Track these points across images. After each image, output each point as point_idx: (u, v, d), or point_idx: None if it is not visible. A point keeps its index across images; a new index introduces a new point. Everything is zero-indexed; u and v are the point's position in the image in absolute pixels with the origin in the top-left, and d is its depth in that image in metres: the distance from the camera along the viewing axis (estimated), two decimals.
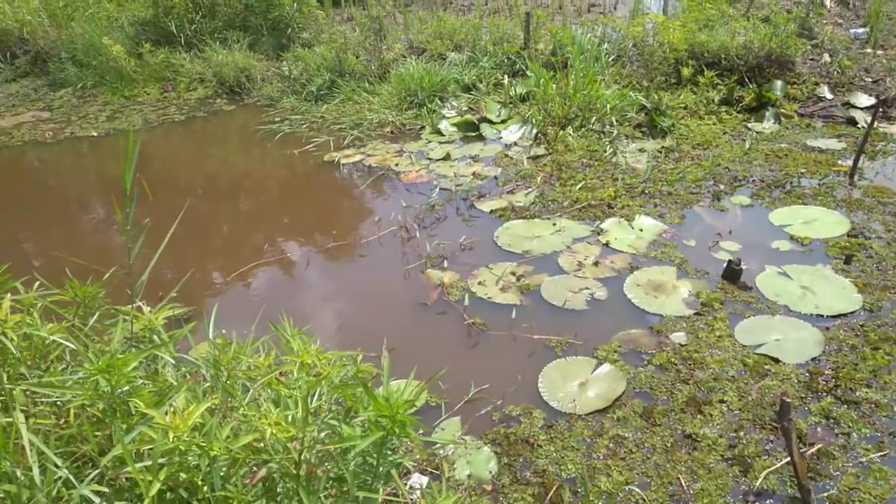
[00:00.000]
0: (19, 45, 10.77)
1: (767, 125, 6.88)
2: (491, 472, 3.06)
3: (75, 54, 9.80)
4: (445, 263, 4.78)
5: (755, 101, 7.18)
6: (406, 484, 2.90)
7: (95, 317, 2.42)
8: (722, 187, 5.62)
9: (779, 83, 7.33)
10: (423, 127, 7.42)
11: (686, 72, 7.48)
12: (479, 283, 4.50)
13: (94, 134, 8.03)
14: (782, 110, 7.09)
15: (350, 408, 2.23)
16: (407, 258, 4.91)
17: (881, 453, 3.05)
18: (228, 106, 8.75)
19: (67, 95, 9.55)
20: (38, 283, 2.55)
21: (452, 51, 8.84)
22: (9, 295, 2.27)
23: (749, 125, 6.90)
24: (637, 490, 2.93)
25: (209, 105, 8.80)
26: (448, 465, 3.07)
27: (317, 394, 2.28)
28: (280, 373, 2.25)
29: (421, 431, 3.17)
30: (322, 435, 2.20)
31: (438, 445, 3.12)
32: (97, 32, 9.55)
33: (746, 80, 7.41)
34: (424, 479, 2.94)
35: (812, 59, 7.92)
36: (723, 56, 7.49)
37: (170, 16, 9.57)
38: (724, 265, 4.41)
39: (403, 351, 3.80)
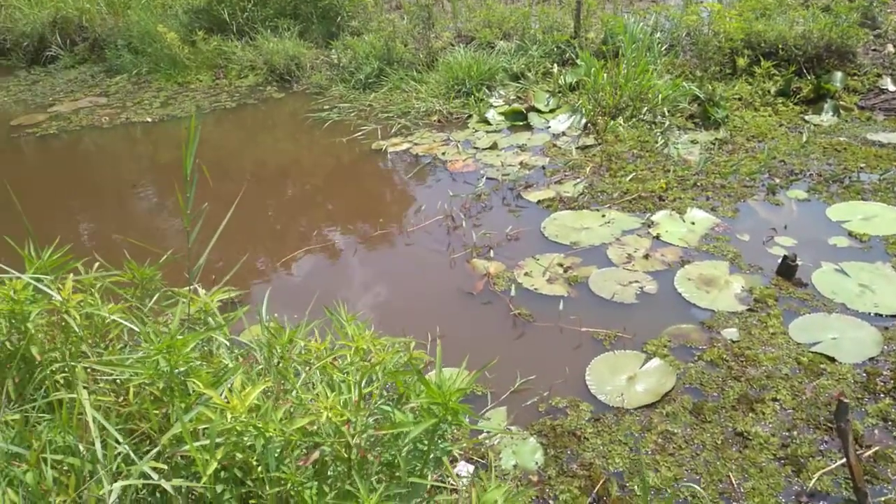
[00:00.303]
0: (78, 33, 11.10)
1: (826, 118, 6.65)
2: (537, 464, 3.06)
3: (131, 41, 10.04)
4: (491, 253, 4.76)
5: (813, 93, 6.95)
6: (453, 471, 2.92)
7: (155, 298, 2.49)
8: (777, 181, 5.46)
9: (838, 74, 7.08)
10: (470, 116, 7.39)
11: (741, 62, 7.28)
12: (526, 274, 4.47)
13: (149, 120, 8.23)
14: (842, 102, 6.84)
15: (402, 394, 2.24)
16: (453, 247, 4.91)
17: None
18: (278, 93, 8.86)
19: (123, 82, 9.80)
20: (97, 264, 2.63)
21: (501, 39, 8.77)
22: (71, 275, 2.35)
23: (806, 117, 6.68)
24: (695, 487, 2.88)
25: (259, 92, 8.93)
26: (494, 455, 3.08)
27: (369, 379, 2.30)
28: (334, 358, 2.28)
29: (469, 420, 3.17)
30: (372, 420, 2.22)
31: (484, 434, 3.13)
32: (152, 20, 9.76)
33: (804, 70, 7.17)
34: (470, 468, 2.95)
35: (874, 50, 7.61)
36: (780, 46, 7.27)
37: (223, 4, 9.71)
38: (779, 261, 4.30)
39: (449, 340, 3.81)
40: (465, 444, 3.07)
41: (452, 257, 4.78)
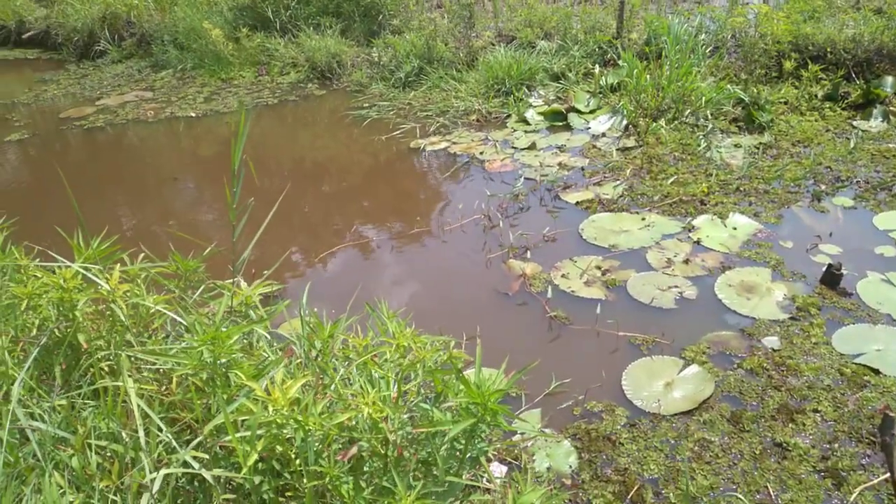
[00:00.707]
0: (126, 29, 11.37)
1: (874, 123, 6.47)
2: (571, 467, 3.04)
3: (177, 37, 10.25)
4: (528, 254, 4.74)
5: (862, 98, 6.76)
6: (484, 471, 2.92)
7: (200, 290, 2.53)
8: (823, 187, 5.34)
9: (889, 79, 6.87)
10: (509, 115, 7.37)
11: (788, 65, 7.13)
12: (563, 276, 4.44)
13: (193, 115, 8.38)
14: (892, 108, 6.64)
15: (440, 392, 2.25)
16: (489, 247, 4.90)
17: None
18: (319, 90, 8.95)
19: (168, 77, 10.00)
20: (142, 255, 2.68)
21: (542, 39, 8.72)
22: (118, 266, 2.41)
23: (854, 123, 6.51)
24: (738, 497, 2.83)
25: (301, 89, 9.03)
26: (527, 457, 3.07)
27: (408, 376, 2.31)
28: (374, 354, 2.29)
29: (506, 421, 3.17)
30: (407, 417, 2.23)
31: (518, 436, 3.12)
32: (198, 17, 9.95)
33: (853, 75, 6.99)
34: (504, 469, 2.95)
35: None
36: (829, 49, 7.10)
37: (267, 1, 9.85)
38: (823, 269, 4.20)
39: (484, 339, 3.80)
40: (498, 444, 3.06)
41: (489, 257, 4.78)
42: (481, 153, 6.52)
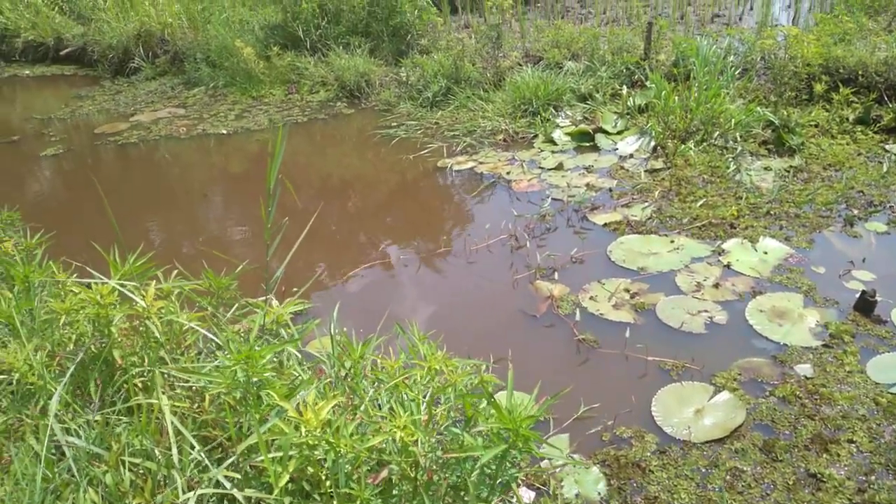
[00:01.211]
0: (160, 46, 11.61)
1: None
2: (600, 494, 3.00)
3: (209, 55, 10.43)
4: (556, 275, 4.72)
5: (894, 122, 6.66)
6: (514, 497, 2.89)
7: (234, 308, 2.56)
8: (855, 212, 5.25)
9: None
10: (535, 136, 7.38)
11: (819, 88, 7.05)
12: (591, 298, 4.41)
13: (224, 132, 8.51)
14: None
15: (469, 417, 2.23)
16: (516, 268, 4.89)
17: None
18: (348, 109, 9.04)
19: (200, 94, 10.18)
20: (175, 271, 2.72)
21: (569, 60, 8.74)
22: (154, 283, 2.44)
23: (887, 147, 6.40)
24: None
25: (330, 108, 9.13)
26: (556, 482, 3.03)
27: (437, 399, 2.30)
28: (405, 377, 2.29)
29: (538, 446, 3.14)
30: (433, 440, 2.22)
31: (546, 462, 3.09)
32: (230, 35, 10.13)
33: (886, 98, 6.88)
34: (532, 494, 2.92)
35: None
36: (860, 72, 7.01)
37: (297, 21, 9.99)
38: (857, 296, 4.12)
39: (512, 362, 3.79)
40: (527, 470, 3.03)
41: (516, 278, 4.76)
42: (508, 173, 6.52)
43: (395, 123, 8.17)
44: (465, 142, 7.37)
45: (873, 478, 2.99)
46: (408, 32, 10.03)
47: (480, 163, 6.84)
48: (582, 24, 10.79)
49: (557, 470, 3.08)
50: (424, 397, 2.30)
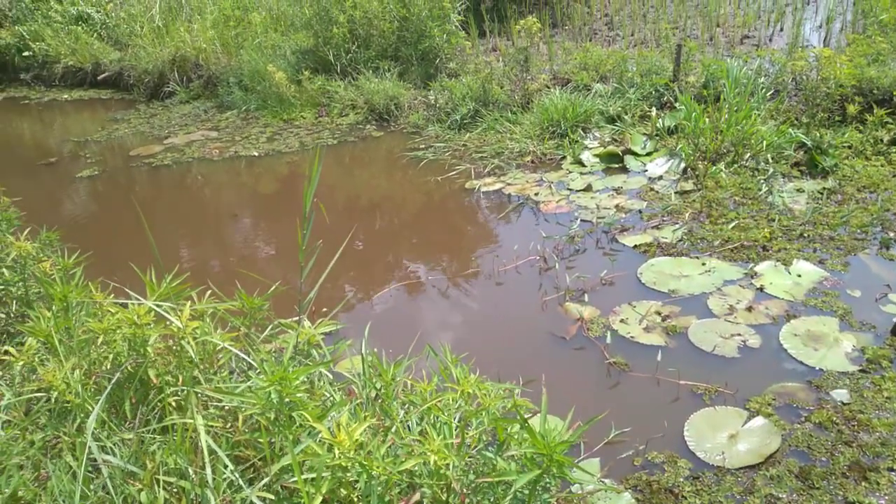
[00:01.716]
0: (194, 71, 11.89)
1: None
2: None
3: (242, 79, 10.66)
4: (585, 297, 4.69)
5: None
6: None
7: (269, 329, 2.58)
8: (891, 235, 5.14)
9: None
10: (563, 157, 7.38)
11: (852, 109, 6.95)
12: (622, 321, 4.37)
13: (255, 154, 8.66)
14: None
15: (502, 441, 2.22)
16: (545, 290, 4.87)
17: None
18: (377, 132, 9.14)
19: (233, 117, 10.38)
20: (209, 292, 2.76)
21: (598, 82, 8.76)
22: (189, 303, 2.48)
23: None
24: None
25: (359, 130, 9.24)
26: None
27: (470, 423, 2.30)
28: (438, 400, 2.28)
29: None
30: (465, 464, 2.20)
31: (578, 486, 3.05)
32: (262, 60, 10.34)
33: None
34: None
35: None
36: (895, 93, 6.90)
37: (328, 45, 10.17)
38: (895, 320, 4.02)
39: (539, 384, 3.76)
40: (559, 494, 2.99)
41: (545, 300, 4.74)
42: (536, 194, 6.52)
43: (423, 146, 8.24)
44: (492, 163, 7.40)
45: None
46: (436, 56, 10.14)
47: (508, 184, 6.85)
48: (610, 46, 10.81)
49: (589, 496, 3.03)
50: (457, 420, 2.29)
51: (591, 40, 11.36)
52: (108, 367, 2.25)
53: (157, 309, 2.35)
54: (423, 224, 6.53)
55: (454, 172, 7.31)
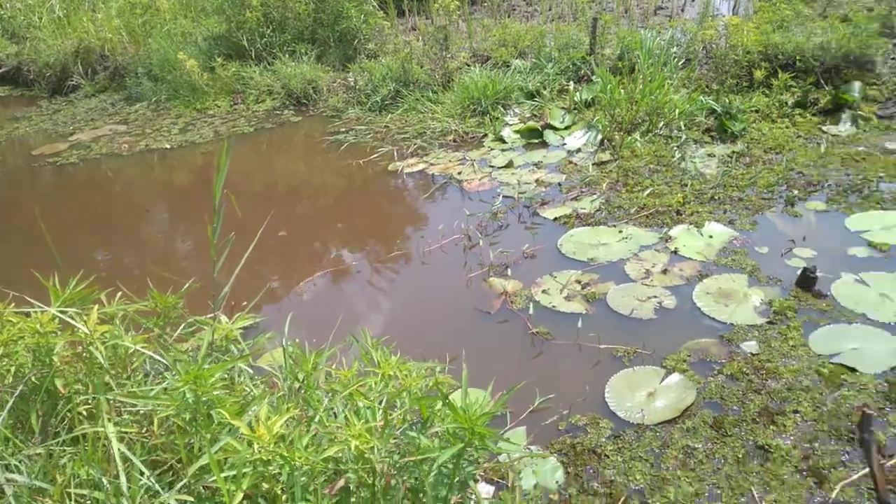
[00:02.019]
0: (100, 62, 11.36)
1: (844, 128, 6.61)
2: (557, 483, 3.06)
3: (151, 69, 10.26)
4: (509, 272, 4.79)
5: (831, 104, 6.88)
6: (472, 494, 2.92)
7: (181, 328, 2.53)
8: (795, 192, 5.43)
9: (857, 84, 7.01)
10: (485, 135, 7.45)
11: (759, 74, 7.24)
12: (543, 292, 4.49)
13: (167, 146, 8.38)
14: (860, 112, 6.78)
15: (426, 419, 2.26)
16: (469, 266, 4.94)
17: None
18: (295, 117, 8.98)
19: (142, 109, 10.00)
20: (119, 293, 2.68)
21: (517, 58, 8.84)
22: (96, 307, 2.40)
23: (824, 128, 6.63)
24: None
25: (277, 116, 9.06)
26: (514, 475, 3.08)
27: (393, 404, 2.32)
28: (360, 384, 2.30)
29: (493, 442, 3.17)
30: (391, 445, 2.24)
31: (505, 455, 3.13)
32: (173, 48, 9.96)
33: (822, 81, 7.11)
34: (491, 489, 2.96)
35: (894, 59, 7.55)
36: (798, 58, 7.20)
37: (242, 30, 9.88)
38: (798, 272, 4.27)
39: (468, 359, 3.81)
40: (484, 465, 3.08)
41: (469, 276, 4.81)
42: (459, 173, 6.58)
43: (344, 129, 8.16)
44: (415, 144, 7.41)
45: (817, 444, 3.11)
46: (354, 37, 10.02)
47: (431, 164, 6.88)
48: (528, 21, 10.91)
49: (515, 463, 3.13)
50: (380, 404, 2.32)
51: (509, 16, 11.43)
52: (11, 380, 2.17)
53: (62, 315, 2.27)
54: (347, 209, 6.49)
55: (376, 155, 7.28)
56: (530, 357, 3.94)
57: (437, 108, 8.13)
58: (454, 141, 7.41)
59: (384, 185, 6.71)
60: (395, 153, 7.24)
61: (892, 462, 2.96)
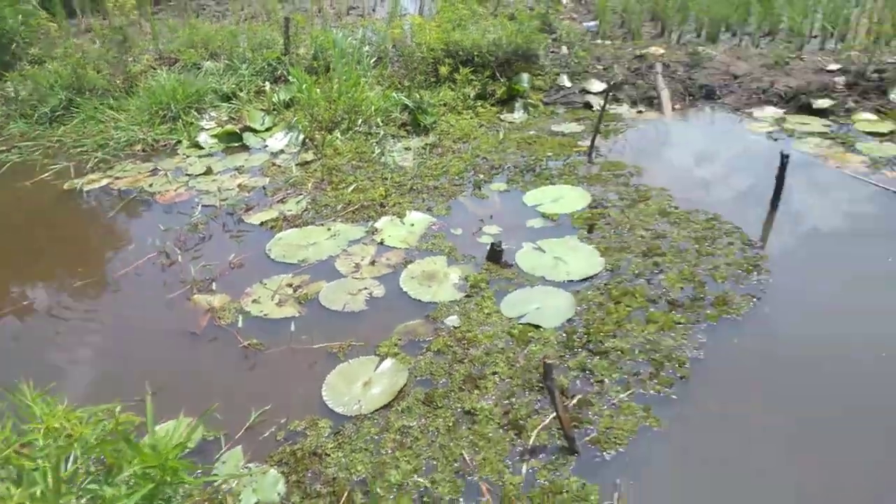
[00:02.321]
0: None
1: (518, 115, 7.41)
2: (280, 494, 2.96)
3: None
4: (214, 286, 4.53)
5: (506, 94, 7.65)
6: None
7: None
8: (481, 177, 5.94)
9: (525, 76, 7.89)
10: (179, 142, 6.97)
11: (444, 70, 7.76)
12: (254, 301, 4.32)
13: None
14: (530, 100, 7.66)
15: (112, 465, 2.03)
16: (169, 286, 4.57)
17: (628, 392, 3.43)
18: None
19: None
20: None
21: (208, 59, 8.41)
22: None
23: (502, 117, 7.37)
24: (421, 480, 2.99)
25: None
26: (233, 499, 2.91)
27: (70, 458, 2.05)
28: (21, 445, 1.98)
29: (199, 472, 2.95)
30: (83, 501, 1.98)
31: (220, 481, 2.94)
32: None
33: (497, 74, 7.85)
34: None
35: (553, 52, 8.64)
36: (476, 53, 7.82)
37: None
38: (488, 248, 4.67)
39: (173, 389, 3.55)
40: (198, 498, 2.85)
41: (170, 297, 4.45)
42: (150, 185, 6.07)
43: (4, 148, 7.03)
44: (96, 157, 6.67)
45: (514, 399, 3.42)
46: (12, 41, 8.70)
47: (117, 178, 6.25)
48: (219, 22, 10.47)
49: (233, 486, 2.96)
50: (56, 462, 2.02)
51: (198, 16, 10.87)
52: None
53: None
54: (18, 240, 5.52)
55: (48, 173, 6.40)
56: (243, 371, 3.77)
57: (121, 116, 7.40)
58: (143, 150, 6.82)
59: (60, 208, 5.90)
60: (73, 169, 6.44)
61: (573, 402, 3.38)
